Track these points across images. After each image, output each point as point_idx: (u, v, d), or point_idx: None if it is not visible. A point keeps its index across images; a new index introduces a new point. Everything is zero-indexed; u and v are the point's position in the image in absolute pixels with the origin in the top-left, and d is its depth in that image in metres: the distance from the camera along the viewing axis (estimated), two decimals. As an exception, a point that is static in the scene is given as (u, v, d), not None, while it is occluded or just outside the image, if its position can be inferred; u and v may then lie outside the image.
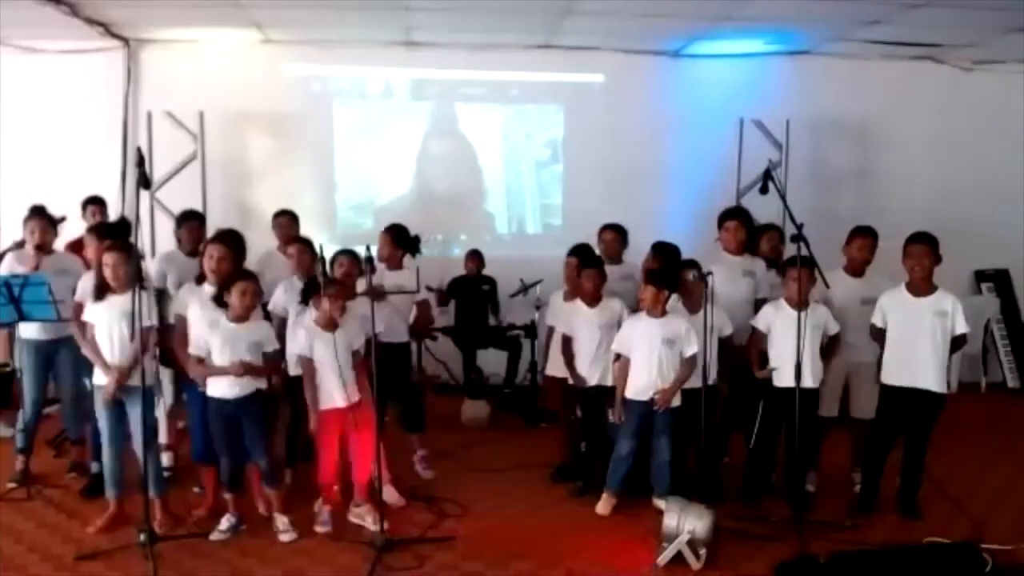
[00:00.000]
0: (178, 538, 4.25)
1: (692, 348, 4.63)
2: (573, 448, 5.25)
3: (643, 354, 4.64)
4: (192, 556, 4.12)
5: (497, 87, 7.86)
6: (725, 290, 4.88)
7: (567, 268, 5.23)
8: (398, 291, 5.08)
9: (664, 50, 7.70)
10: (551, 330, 5.32)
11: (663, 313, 4.66)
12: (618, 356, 4.76)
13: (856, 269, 4.90)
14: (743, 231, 5.12)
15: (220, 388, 4.26)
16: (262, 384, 4.34)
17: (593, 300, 4.96)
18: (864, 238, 4.89)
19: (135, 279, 4.11)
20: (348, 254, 4.80)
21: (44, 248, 5.01)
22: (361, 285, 4.69)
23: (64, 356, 4.98)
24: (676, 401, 4.67)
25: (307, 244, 5.08)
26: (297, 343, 4.42)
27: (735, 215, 5.23)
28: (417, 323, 5.42)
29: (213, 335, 4.24)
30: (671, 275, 4.79)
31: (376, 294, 4.43)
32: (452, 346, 7.13)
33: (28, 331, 4.94)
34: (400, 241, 5.28)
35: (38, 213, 5.05)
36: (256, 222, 6.36)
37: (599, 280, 4.94)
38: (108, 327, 4.27)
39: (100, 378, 4.32)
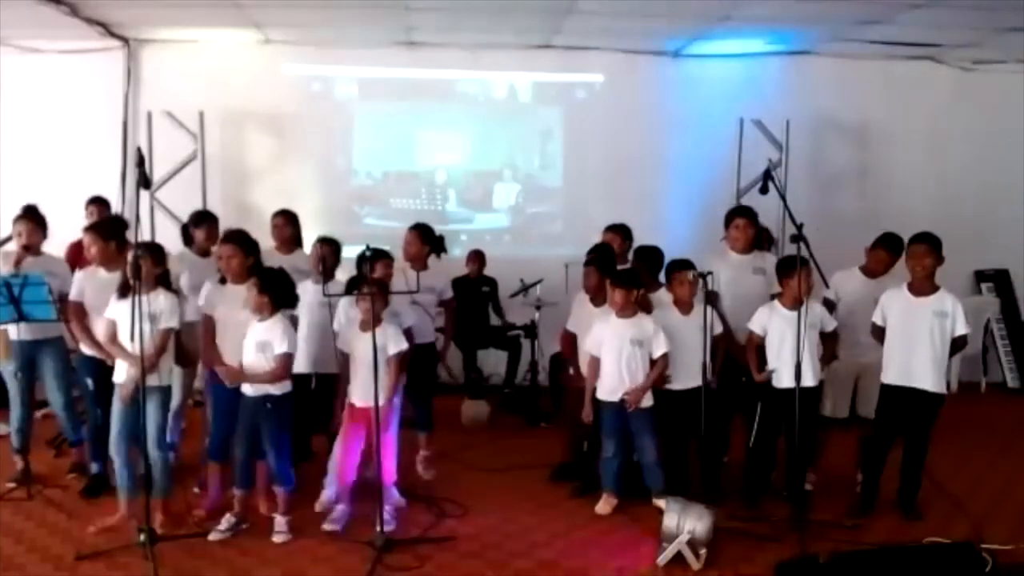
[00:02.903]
0: (178, 538, 4.25)
1: (661, 348, 4.64)
2: (575, 447, 5.25)
3: (612, 355, 4.66)
4: (192, 556, 4.11)
5: (497, 87, 7.85)
6: (736, 289, 4.89)
7: (587, 278, 5.02)
8: (428, 292, 5.09)
9: (664, 50, 7.69)
10: (573, 336, 5.12)
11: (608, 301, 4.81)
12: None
13: (873, 274, 4.90)
14: (752, 229, 5.10)
15: (244, 386, 4.33)
16: (274, 389, 4.30)
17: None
18: (887, 253, 4.85)
19: (155, 280, 4.25)
20: (387, 256, 4.78)
21: (32, 249, 4.95)
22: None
23: (48, 358, 4.95)
24: (648, 401, 4.67)
25: (331, 244, 5.09)
26: (341, 338, 4.54)
27: (743, 213, 5.21)
28: (447, 327, 5.58)
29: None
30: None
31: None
32: (452, 346, 7.12)
33: (8, 331, 4.86)
34: (428, 239, 5.23)
35: (28, 213, 5.00)
36: (256, 222, 6.28)
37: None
38: (129, 326, 4.20)
39: (119, 376, 4.32)
